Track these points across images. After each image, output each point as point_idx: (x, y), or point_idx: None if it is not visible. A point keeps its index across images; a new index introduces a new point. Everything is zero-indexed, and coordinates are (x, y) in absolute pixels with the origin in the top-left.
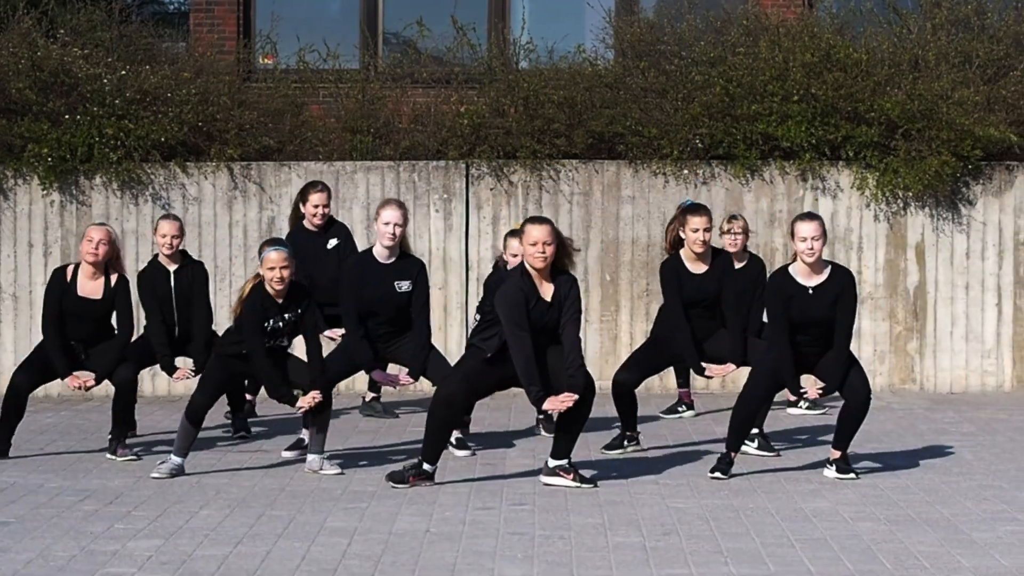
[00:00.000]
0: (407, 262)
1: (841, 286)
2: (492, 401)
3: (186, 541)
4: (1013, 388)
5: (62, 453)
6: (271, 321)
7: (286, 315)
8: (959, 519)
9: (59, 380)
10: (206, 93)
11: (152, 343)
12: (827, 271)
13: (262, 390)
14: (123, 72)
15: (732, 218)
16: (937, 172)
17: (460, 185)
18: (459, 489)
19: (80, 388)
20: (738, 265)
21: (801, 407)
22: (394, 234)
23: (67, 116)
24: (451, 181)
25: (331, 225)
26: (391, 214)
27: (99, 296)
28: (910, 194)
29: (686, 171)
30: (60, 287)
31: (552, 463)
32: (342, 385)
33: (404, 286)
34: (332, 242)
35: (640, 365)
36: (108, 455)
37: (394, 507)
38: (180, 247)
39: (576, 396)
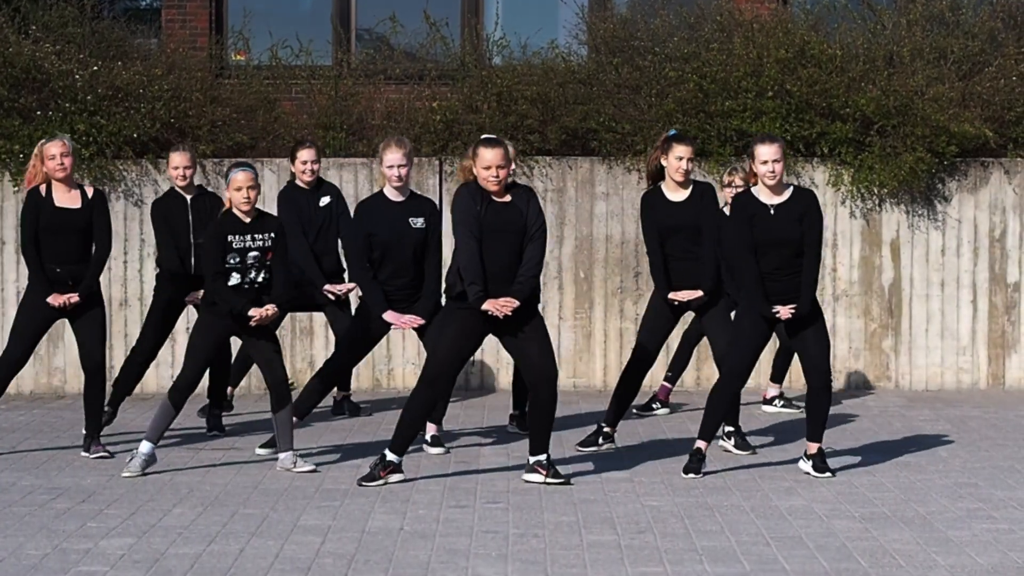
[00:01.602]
0: (419, 200)
1: (805, 205)
2: (466, 399)
3: (159, 539)
4: (988, 385)
5: (34, 451)
6: (236, 238)
7: (256, 235)
8: (935, 517)
9: (29, 376)
10: (178, 89)
11: (165, 271)
12: (789, 191)
13: (243, 381)
14: (95, 68)
15: (733, 170)
16: (912, 168)
17: (433, 182)
18: (433, 487)
19: (64, 305)
20: None
21: (776, 405)
22: (400, 175)
23: (39, 112)
24: (424, 178)
25: (321, 184)
26: (394, 156)
27: (78, 205)
28: (885, 191)
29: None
30: (36, 203)
31: (531, 459)
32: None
33: (419, 223)
34: (324, 200)
35: (655, 328)
36: (82, 452)
37: (368, 505)
38: (195, 179)
39: (516, 302)
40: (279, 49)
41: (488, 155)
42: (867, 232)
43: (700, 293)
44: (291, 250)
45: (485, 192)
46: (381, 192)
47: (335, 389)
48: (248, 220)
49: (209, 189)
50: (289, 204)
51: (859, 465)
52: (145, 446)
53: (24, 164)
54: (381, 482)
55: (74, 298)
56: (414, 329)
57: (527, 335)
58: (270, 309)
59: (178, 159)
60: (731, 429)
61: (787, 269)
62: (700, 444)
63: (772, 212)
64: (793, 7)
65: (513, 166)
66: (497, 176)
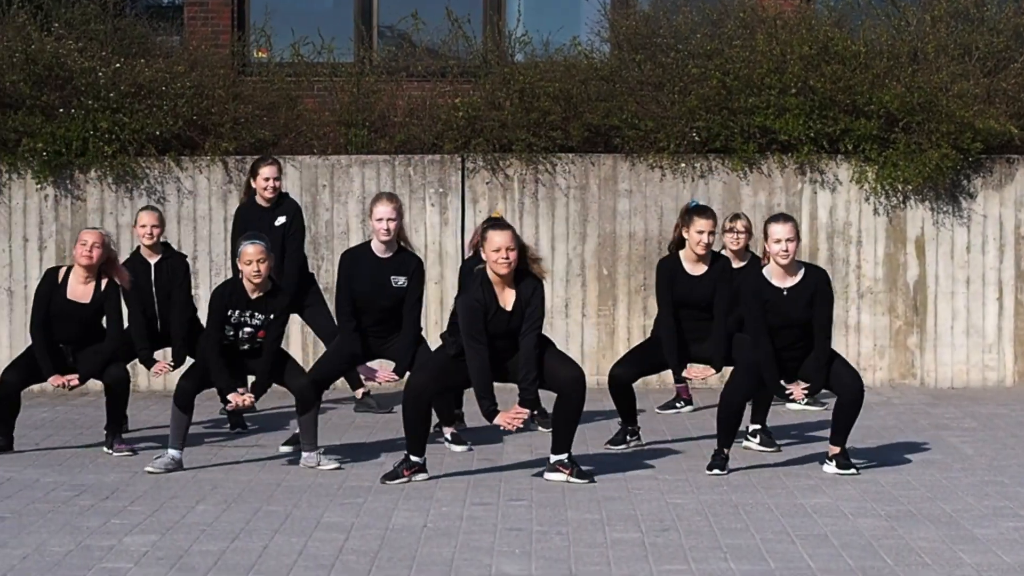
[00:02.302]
0: (404, 257)
1: (815, 285)
2: None
3: (182, 536)
4: (1014, 383)
5: (58, 448)
6: (236, 313)
7: (257, 314)
8: (960, 515)
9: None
10: (201, 87)
11: (132, 335)
12: (801, 272)
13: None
14: (117, 65)
15: (735, 217)
16: (937, 165)
17: (456, 179)
18: (456, 484)
19: (63, 386)
20: (739, 264)
21: (801, 403)
22: (388, 229)
23: (61, 110)
24: (446, 175)
25: (282, 201)
26: (383, 209)
27: (87, 300)
28: (910, 187)
29: (683, 165)
30: (50, 288)
31: (552, 458)
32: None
33: (400, 281)
34: (280, 219)
35: (638, 362)
36: (105, 449)
37: (391, 502)
38: (161, 238)
39: (527, 412)
40: (301, 46)
41: (497, 238)
42: (892, 229)
43: (712, 372)
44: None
45: (491, 296)
46: (368, 244)
47: (353, 388)
48: (253, 296)
49: (177, 250)
50: (241, 222)
51: (884, 463)
52: (171, 453)
53: (48, 161)
54: (405, 480)
55: (74, 380)
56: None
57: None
58: (247, 399)
59: (146, 218)
60: (757, 427)
61: (801, 345)
62: (720, 449)
63: (785, 294)
64: (816, 3)
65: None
66: (507, 259)
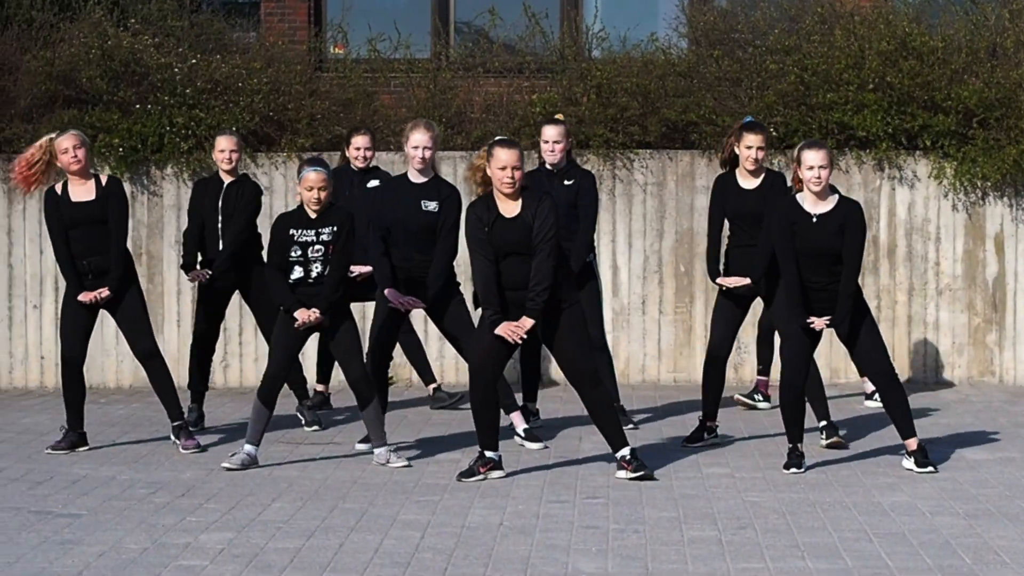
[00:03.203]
0: (438, 183)
1: (847, 215)
2: (564, 393)
3: (258, 534)
4: None
5: (133, 444)
6: (299, 232)
7: (322, 228)
8: None
9: (127, 370)
10: (277, 83)
11: (183, 246)
12: (834, 201)
13: (333, 380)
14: (194, 61)
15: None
16: (1016, 161)
17: None
18: (532, 482)
19: (95, 300)
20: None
21: (876, 400)
22: (423, 157)
23: (138, 106)
24: (465, 178)
25: (376, 170)
26: (420, 137)
27: (92, 196)
28: (988, 184)
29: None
30: (55, 201)
31: (617, 456)
32: (414, 377)
33: (430, 206)
34: (372, 182)
35: (724, 325)
36: (171, 437)
37: (467, 500)
38: (239, 165)
39: (531, 321)
40: (378, 42)
41: (503, 155)
42: (970, 226)
43: (747, 281)
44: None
45: (492, 206)
46: (404, 174)
47: (425, 385)
48: (314, 216)
49: (254, 180)
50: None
51: (962, 461)
52: (248, 449)
53: (124, 157)
54: (480, 477)
55: (104, 293)
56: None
57: (562, 335)
58: (313, 314)
59: (224, 142)
60: (824, 424)
61: (830, 278)
62: (793, 445)
63: (814, 221)
64: None
65: (571, 140)
66: (512, 178)
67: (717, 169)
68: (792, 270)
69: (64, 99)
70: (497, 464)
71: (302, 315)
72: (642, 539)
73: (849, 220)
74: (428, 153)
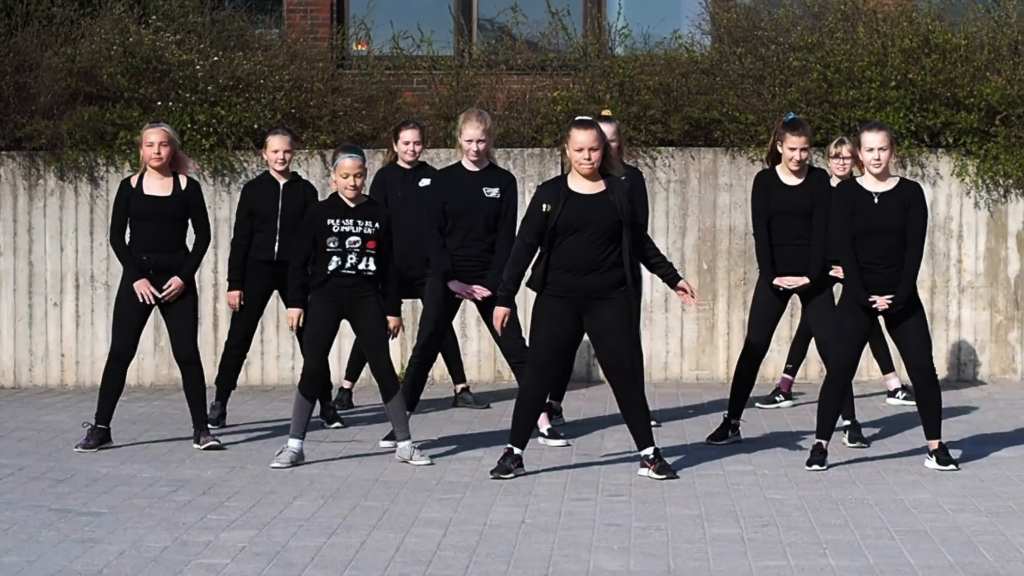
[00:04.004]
0: (496, 171)
1: (909, 196)
2: (588, 391)
3: (280, 532)
4: None
5: (155, 442)
6: (338, 222)
7: (360, 221)
8: None
9: (149, 368)
10: (299, 80)
11: (230, 261)
12: (895, 182)
13: (360, 378)
14: (215, 58)
15: (840, 142)
16: None
17: (555, 172)
18: (555, 480)
19: (147, 298)
20: None
21: (899, 397)
22: (478, 151)
23: (159, 103)
24: (546, 168)
25: (424, 167)
26: (473, 131)
27: (168, 192)
28: (1011, 181)
29: None
30: (127, 191)
31: (641, 454)
32: (435, 374)
33: (493, 192)
34: (424, 181)
35: (762, 323)
36: (193, 444)
37: (489, 498)
38: (291, 165)
39: (503, 311)
40: (400, 39)
41: (580, 137)
42: (992, 223)
43: (805, 280)
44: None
45: (564, 188)
46: (459, 163)
47: (452, 383)
48: (352, 205)
49: (304, 177)
50: (382, 182)
51: (985, 459)
52: (292, 443)
53: None
54: (512, 476)
55: (175, 284)
56: (480, 311)
57: (605, 329)
58: (396, 322)
59: (277, 142)
60: (848, 423)
61: (889, 259)
62: (819, 441)
63: (876, 200)
64: None
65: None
66: (590, 159)
67: (740, 166)
68: (850, 250)
69: (85, 96)
70: (520, 461)
71: (394, 324)
72: (664, 537)
73: (912, 199)
74: (482, 146)
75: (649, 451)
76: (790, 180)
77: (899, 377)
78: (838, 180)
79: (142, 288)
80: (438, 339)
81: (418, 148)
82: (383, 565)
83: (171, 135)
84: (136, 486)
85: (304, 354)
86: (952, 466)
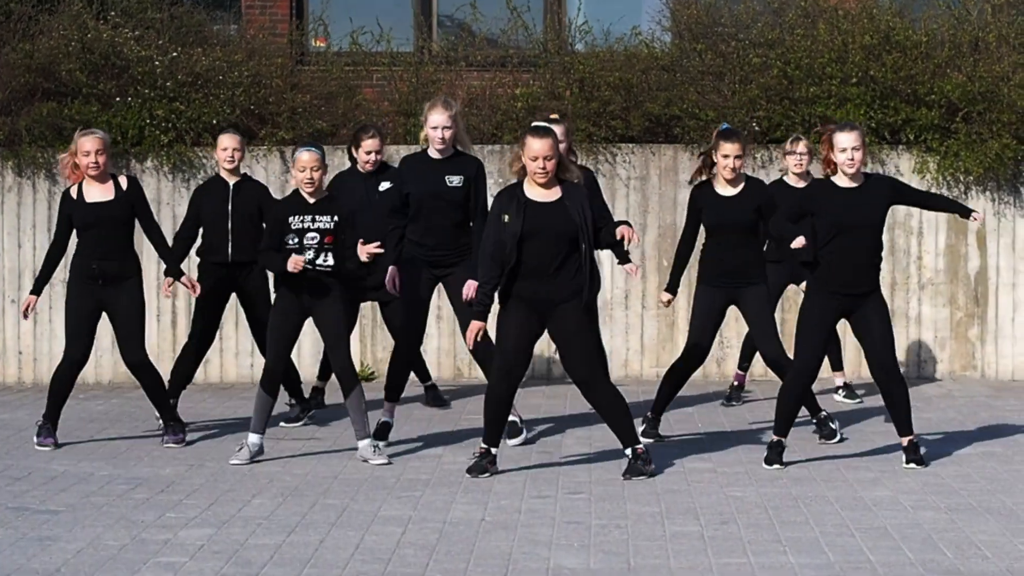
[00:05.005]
0: (461, 158)
1: (886, 186)
2: (548, 388)
3: (239, 530)
4: None
5: (112, 440)
6: (296, 218)
7: (319, 216)
8: (1021, 508)
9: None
10: (258, 76)
11: (172, 249)
12: (867, 180)
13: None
14: (174, 54)
15: (796, 139)
16: (998, 155)
17: None
18: (515, 478)
19: (168, 294)
20: (801, 184)
21: (840, 395)
22: (443, 138)
23: (118, 99)
24: (506, 165)
25: (384, 170)
26: (438, 118)
27: (111, 196)
28: (971, 178)
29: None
30: (68, 204)
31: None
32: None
33: (455, 180)
34: (384, 184)
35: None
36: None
37: (449, 496)
38: (242, 164)
39: (479, 326)
40: (360, 35)
41: (536, 145)
42: (953, 220)
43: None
44: None
45: (521, 196)
46: (425, 151)
47: (421, 382)
48: (311, 201)
49: (263, 174)
50: (341, 187)
51: (945, 456)
52: (252, 437)
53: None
54: (488, 475)
55: (186, 281)
56: (450, 297)
57: (568, 336)
58: (299, 261)
59: (227, 140)
60: (818, 419)
61: (868, 249)
62: (777, 439)
63: (850, 195)
64: None
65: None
66: (544, 168)
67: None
68: (793, 230)
69: (43, 92)
70: (493, 460)
71: (297, 260)
72: (624, 534)
73: (893, 183)
74: (447, 133)
75: (629, 451)
76: (726, 191)
77: (845, 376)
78: (794, 177)
79: (27, 303)
80: (409, 338)
81: (379, 157)
82: (342, 563)
83: (106, 141)
84: (94, 484)
85: (267, 349)
86: (913, 464)
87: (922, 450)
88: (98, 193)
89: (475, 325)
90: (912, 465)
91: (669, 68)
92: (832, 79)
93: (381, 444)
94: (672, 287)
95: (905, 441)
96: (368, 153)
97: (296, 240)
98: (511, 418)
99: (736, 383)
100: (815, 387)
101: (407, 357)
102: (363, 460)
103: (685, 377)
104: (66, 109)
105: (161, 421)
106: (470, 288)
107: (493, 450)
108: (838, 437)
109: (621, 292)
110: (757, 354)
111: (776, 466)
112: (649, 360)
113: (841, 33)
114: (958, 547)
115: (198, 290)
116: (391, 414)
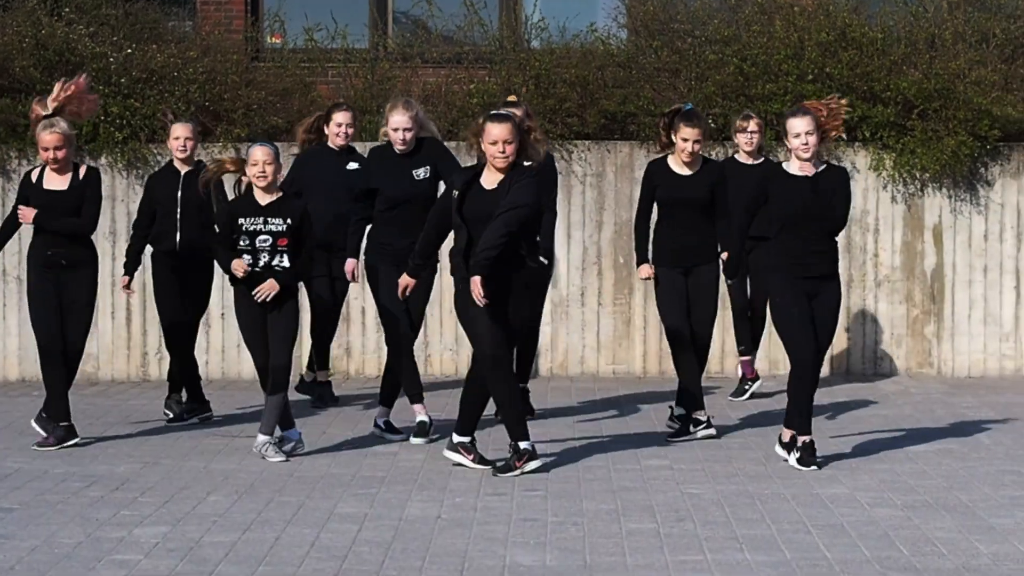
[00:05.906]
0: (423, 145)
1: (838, 180)
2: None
3: (194, 527)
4: None
5: None
6: (249, 220)
7: (271, 219)
8: (977, 505)
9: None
10: (213, 72)
11: (127, 250)
12: (822, 168)
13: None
14: (129, 51)
15: (747, 116)
16: (954, 152)
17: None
18: (470, 475)
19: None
20: (752, 162)
21: (749, 388)
22: (404, 139)
23: None
24: (462, 161)
25: (352, 151)
26: (399, 118)
27: (66, 187)
28: (927, 175)
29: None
30: (26, 186)
31: (455, 439)
32: (352, 369)
33: (421, 173)
34: (352, 165)
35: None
36: (33, 422)
37: (405, 493)
38: (195, 152)
39: (475, 281)
40: (315, 32)
41: (496, 130)
42: (909, 217)
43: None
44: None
45: (477, 172)
46: (388, 143)
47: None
48: (264, 203)
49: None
50: (307, 163)
51: (901, 453)
52: (290, 432)
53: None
54: (517, 472)
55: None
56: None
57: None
58: (272, 287)
59: (180, 130)
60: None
61: (822, 245)
62: (805, 439)
63: (809, 185)
64: None
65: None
66: (504, 152)
67: None
68: (744, 218)
69: None
70: (532, 455)
71: (263, 289)
72: (581, 532)
73: (840, 186)
74: (409, 135)
75: (466, 439)
76: (682, 170)
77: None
78: (745, 155)
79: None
80: (405, 334)
81: (350, 131)
82: (298, 561)
83: (67, 135)
84: (48, 481)
85: (249, 351)
86: (784, 458)
87: (872, 448)
88: (57, 181)
89: (403, 280)
90: (778, 449)
91: (625, 65)
92: (788, 76)
93: (285, 445)
94: (643, 259)
95: (787, 436)
96: (339, 125)
97: (248, 242)
98: (421, 417)
99: (743, 373)
100: (773, 385)
101: (401, 361)
102: (257, 453)
103: (695, 364)
104: (20, 106)
105: (45, 413)
106: (477, 285)
107: (523, 445)
108: (706, 435)
109: (577, 289)
110: (762, 341)
111: (813, 467)
112: (605, 357)
113: (797, 30)
114: (914, 544)
115: (132, 292)
116: (424, 413)
